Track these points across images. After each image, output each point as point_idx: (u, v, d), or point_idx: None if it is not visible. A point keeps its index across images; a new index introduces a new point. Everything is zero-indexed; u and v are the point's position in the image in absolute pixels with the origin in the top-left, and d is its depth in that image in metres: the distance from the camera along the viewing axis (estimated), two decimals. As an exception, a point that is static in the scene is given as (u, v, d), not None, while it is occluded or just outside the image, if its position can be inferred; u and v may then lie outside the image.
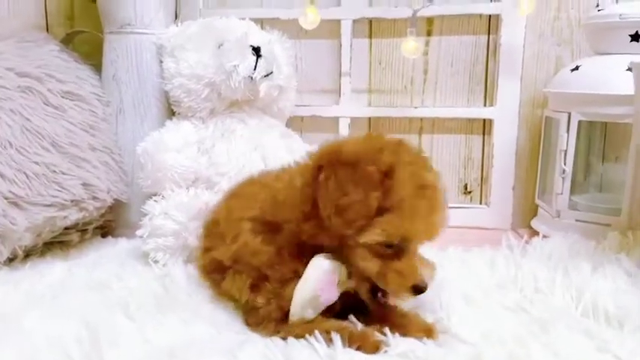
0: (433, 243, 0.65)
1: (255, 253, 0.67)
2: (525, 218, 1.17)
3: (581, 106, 0.98)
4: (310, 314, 0.63)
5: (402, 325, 0.64)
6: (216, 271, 0.74)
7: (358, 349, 0.59)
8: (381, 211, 0.59)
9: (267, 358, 0.58)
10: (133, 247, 0.95)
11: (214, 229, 0.78)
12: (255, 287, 0.67)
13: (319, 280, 0.63)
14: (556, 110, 1.04)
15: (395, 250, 0.61)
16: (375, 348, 0.59)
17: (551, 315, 0.71)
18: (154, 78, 1.05)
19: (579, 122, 0.99)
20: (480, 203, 1.22)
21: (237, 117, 1.03)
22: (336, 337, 0.59)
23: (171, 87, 1.02)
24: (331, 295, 0.63)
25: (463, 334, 0.64)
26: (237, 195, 0.79)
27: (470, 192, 1.23)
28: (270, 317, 0.66)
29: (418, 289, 0.61)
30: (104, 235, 1.03)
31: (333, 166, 0.60)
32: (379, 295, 0.64)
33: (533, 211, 1.16)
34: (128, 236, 1.01)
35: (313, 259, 0.64)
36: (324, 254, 0.64)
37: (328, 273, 0.63)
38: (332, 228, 0.60)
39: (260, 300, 0.66)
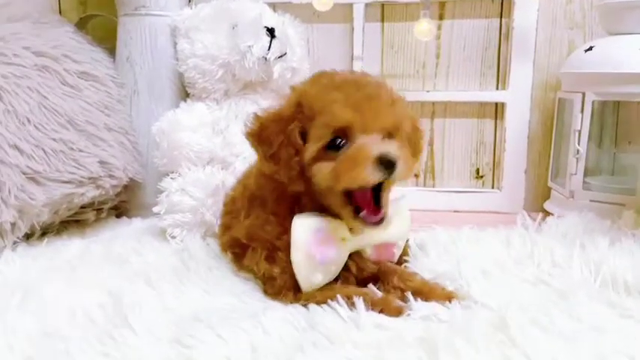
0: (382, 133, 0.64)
1: (263, 226, 0.69)
2: (538, 202, 1.17)
3: (596, 85, 0.98)
4: (319, 279, 0.63)
5: (423, 292, 0.64)
6: (236, 247, 0.74)
7: (381, 312, 0.59)
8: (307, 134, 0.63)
9: (290, 322, 0.59)
10: (148, 225, 0.96)
11: (232, 207, 0.79)
12: (270, 258, 0.68)
13: (305, 241, 0.63)
14: (570, 91, 1.04)
15: (343, 148, 0.62)
16: (397, 312, 0.60)
17: (570, 286, 0.71)
18: (169, 60, 1.06)
19: (593, 103, 0.99)
20: (493, 187, 1.22)
21: (250, 98, 1.04)
22: (359, 301, 0.59)
23: (185, 68, 1.02)
24: (328, 253, 0.64)
25: (485, 301, 0.64)
26: (250, 173, 0.80)
27: (482, 176, 1.23)
28: (288, 286, 0.66)
29: (385, 161, 0.59)
30: (119, 216, 1.04)
31: (263, 127, 0.66)
32: (362, 213, 0.64)
33: (546, 195, 1.16)
34: (143, 216, 1.01)
35: (293, 222, 0.65)
36: (305, 214, 0.66)
37: (313, 231, 0.64)
38: (282, 178, 0.64)
39: (276, 270, 0.67)
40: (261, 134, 0.66)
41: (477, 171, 1.23)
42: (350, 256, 0.67)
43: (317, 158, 0.63)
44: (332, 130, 0.62)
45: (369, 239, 0.68)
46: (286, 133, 0.64)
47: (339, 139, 0.63)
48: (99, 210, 0.98)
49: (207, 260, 0.78)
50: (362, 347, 0.52)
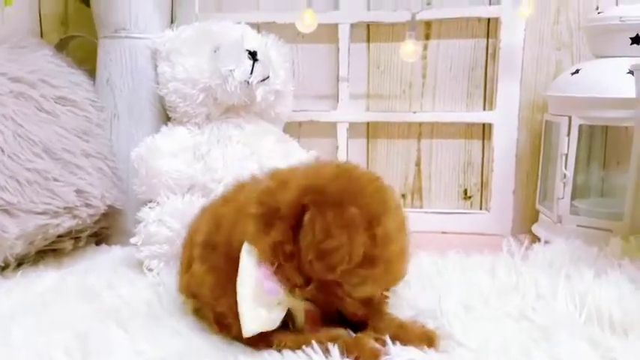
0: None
1: (200, 284, 0.64)
2: (526, 224, 1.15)
3: (582, 109, 0.96)
4: (263, 316, 0.58)
5: (401, 334, 0.62)
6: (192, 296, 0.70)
7: (356, 359, 0.57)
8: (367, 260, 0.56)
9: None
10: (126, 255, 0.94)
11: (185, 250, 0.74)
12: (219, 323, 0.64)
13: (252, 272, 0.58)
14: (556, 114, 1.02)
15: None
16: (374, 357, 0.58)
17: (554, 322, 0.69)
18: (149, 83, 1.04)
19: (580, 126, 0.98)
20: (480, 209, 1.21)
21: (233, 122, 1.02)
22: (333, 348, 0.57)
23: (166, 92, 1.01)
24: (274, 283, 0.58)
25: (465, 341, 0.63)
26: (204, 212, 0.75)
27: (470, 197, 1.21)
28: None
29: None
30: (98, 243, 1.02)
31: (319, 206, 0.55)
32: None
33: (534, 217, 1.14)
34: (123, 244, 0.99)
35: (242, 252, 0.59)
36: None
37: (258, 262, 0.58)
38: (312, 272, 0.56)
39: (230, 335, 0.63)
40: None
41: (465, 192, 1.21)
42: None
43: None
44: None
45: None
46: (353, 243, 0.55)
47: None
48: (77, 239, 0.96)
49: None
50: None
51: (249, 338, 0.60)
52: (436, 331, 0.64)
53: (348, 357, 0.57)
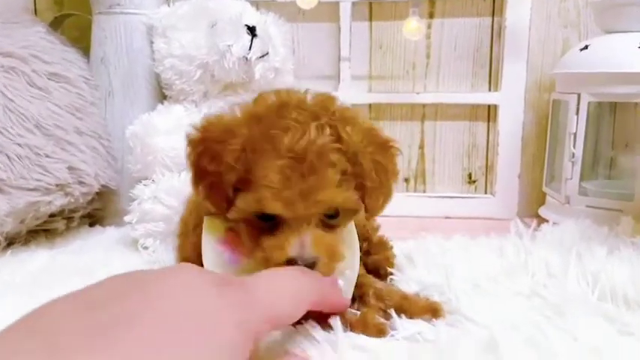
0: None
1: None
2: (532, 207, 1.12)
3: (591, 86, 0.93)
4: None
5: (405, 305, 0.59)
6: None
7: (361, 333, 0.54)
8: (243, 183, 0.52)
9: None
10: (122, 235, 0.90)
11: (184, 229, 0.68)
12: None
13: (212, 241, 0.56)
14: (565, 92, 1.00)
15: (272, 223, 0.53)
16: (379, 331, 0.54)
17: (566, 300, 0.66)
18: (145, 60, 1.01)
19: (589, 104, 0.95)
20: (485, 193, 1.18)
21: (231, 100, 0.98)
22: (336, 321, 0.54)
23: (162, 69, 0.97)
24: (235, 253, 0.56)
25: (474, 316, 0.60)
26: None
27: (474, 181, 1.18)
28: None
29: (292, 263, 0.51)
30: (92, 225, 0.98)
31: (201, 143, 0.54)
32: None
33: (541, 200, 1.11)
34: (118, 225, 0.96)
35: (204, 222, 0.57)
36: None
37: (224, 229, 0.56)
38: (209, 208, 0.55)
39: None
40: (198, 154, 0.54)
41: (469, 175, 1.18)
42: None
43: (247, 225, 0.54)
44: (255, 210, 0.52)
45: None
46: (218, 173, 0.52)
47: (267, 216, 0.53)
48: (69, 219, 0.93)
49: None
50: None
51: None
52: (442, 304, 0.61)
53: (352, 331, 0.54)
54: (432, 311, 0.58)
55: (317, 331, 0.54)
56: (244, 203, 0.52)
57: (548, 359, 0.52)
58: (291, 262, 0.51)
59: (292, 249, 0.51)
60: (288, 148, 0.51)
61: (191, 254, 0.60)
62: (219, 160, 0.52)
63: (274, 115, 0.53)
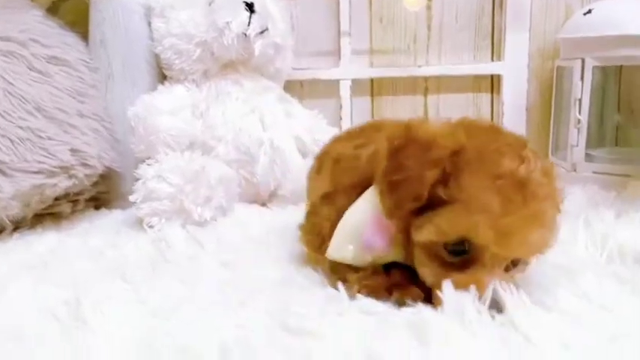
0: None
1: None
2: (539, 178, 1.11)
3: (596, 50, 0.92)
4: (349, 252, 0.54)
5: None
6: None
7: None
8: (440, 202, 0.48)
9: (271, 315, 0.53)
10: (128, 216, 0.90)
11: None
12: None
13: (366, 212, 0.53)
14: (569, 58, 0.98)
15: (461, 260, 0.49)
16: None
17: (575, 263, 0.66)
18: (144, 41, 1.00)
19: (594, 69, 0.94)
20: (491, 165, 1.17)
21: (231, 79, 0.98)
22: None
23: (161, 49, 0.97)
24: (377, 239, 0.53)
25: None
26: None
27: (479, 153, 1.17)
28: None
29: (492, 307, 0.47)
30: (98, 207, 0.98)
31: (404, 141, 0.49)
32: None
33: (547, 170, 1.10)
34: (123, 207, 0.95)
35: (369, 189, 0.54)
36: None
37: (376, 210, 0.52)
38: (384, 208, 0.50)
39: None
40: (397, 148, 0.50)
41: (474, 148, 1.17)
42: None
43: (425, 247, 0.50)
44: (458, 236, 0.48)
45: None
46: (422, 175, 0.48)
47: (462, 247, 0.49)
48: (75, 202, 0.93)
49: (186, 250, 0.73)
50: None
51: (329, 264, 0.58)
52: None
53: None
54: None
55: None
56: (448, 224, 0.47)
57: (559, 319, 0.52)
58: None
59: (490, 289, 0.47)
60: (509, 171, 0.46)
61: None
62: (423, 160, 0.47)
63: (485, 133, 0.50)
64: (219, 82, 0.98)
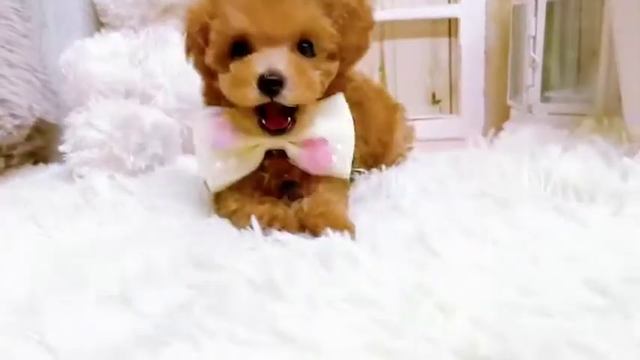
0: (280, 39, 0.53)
1: None
2: (498, 124, 1.08)
3: (549, -17, 0.88)
4: (217, 167, 0.57)
5: (319, 223, 0.52)
6: None
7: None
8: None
9: (178, 252, 0.50)
10: (64, 169, 0.86)
11: None
12: None
13: (204, 124, 0.58)
14: (523, -5, 0.94)
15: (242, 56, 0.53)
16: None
17: (516, 196, 0.63)
18: (77, -14, 0.95)
19: (550, 5, 0.90)
20: (450, 112, 1.14)
21: (172, 24, 0.93)
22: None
23: (94, -8, 0.92)
24: (222, 139, 0.56)
25: (415, 213, 0.57)
26: None
27: (438, 101, 1.14)
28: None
29: (266, 81, 0.50)
30: (36, 163, 0.94)
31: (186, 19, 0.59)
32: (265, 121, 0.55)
33: (507, 116, 1.07)
34: (61, 162, 0.91)
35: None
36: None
37: (210, 117, 0.58)
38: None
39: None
40: (184, 26, 0.59)
41: (433, 96, 1.14)
42: (270, 155, 0.58)
43: (222, 65, 0.55)
44: (226, 39, 0.53)
45: (289, 136, 0.56)
46: (190, 33, 0.57)
47: (240, 47, 0.53)
48: (8, 156, 0.89)
49: (112, 197, 0.70)
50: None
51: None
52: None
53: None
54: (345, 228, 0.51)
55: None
56: (213, 37, 0.53)
57: (483, 245, 0.49)
58: (260, 80, 0.50)
59: (260, 65, 0.50)
60: None
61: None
62: (192, 21, 0.57)
63: None
64: (158, 27, 0.93)
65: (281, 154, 0.57)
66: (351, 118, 0.60)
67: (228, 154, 0.56)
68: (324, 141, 0.58)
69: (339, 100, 0.60)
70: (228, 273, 0.44)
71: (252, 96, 0.51)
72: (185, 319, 0.37)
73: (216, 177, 0.58)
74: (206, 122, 0.58)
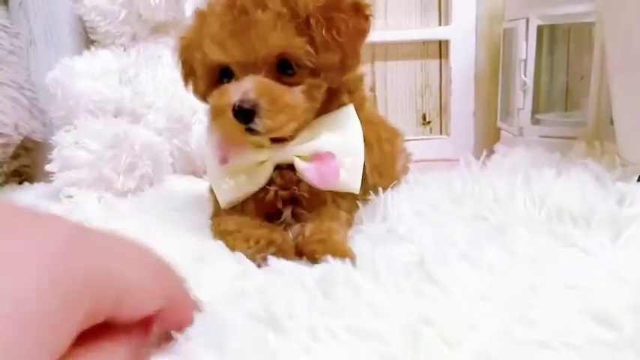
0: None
1: None
2: (489, 145, 1.08)
3: (539, 7, 0.89)
4: (228, 184, 0.57)
5: (319, 250, 0.52)
6: None
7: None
8: None
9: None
10: (50, 189, 0.84)
11: None
12: None
13: (213, 141, 0.58)
14: (514, 19, 0.95)
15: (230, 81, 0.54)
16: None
17: (510, 220, 0.62)
18: (66, 3, 0.93)
19: (539, 28, 0.91)
20: (441, 133, 1.14)
21: (162, 42, 0.93)
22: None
23: (84, 10, 0.91)
24: (227, 154, 0.57)
25: (412, 237, 0.56)
26: None
27: (429, 122, 1.14)
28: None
29: (240, 111, 0.50)
30: (21, 183, 0.92)
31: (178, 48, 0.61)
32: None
33: (497, 138, 1.08)
34: (47, 182, 0.89)
35: None
36: None
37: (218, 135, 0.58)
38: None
39: None
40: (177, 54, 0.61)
41: (424, 117, 1.14)
42: (279, 170, 0.57)
43: (212, 91, 0.55)
44: (210, 68, 0.55)
45: (297, 150, 0.56)
46: (184, 60, 0.60)
47: (227, 72, 0.54)
48: (-8, 175, 0.87)
49: (101, 218, 0.68)
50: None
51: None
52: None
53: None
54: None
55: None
56: (198, 67, 0.56)
57: (481, 272, 0.49)
58: (234, 109, 0.50)
59: (233, 94, 0.51)
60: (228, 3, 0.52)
61: None
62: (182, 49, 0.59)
63: None
64: (149, 45, 0.92)
65: (289, 168, 0.57)
66: (361, 131, 0.59)
67: (238, 170, 0.57)
68: (331, 155, 0.57)
69: (349, 112, 0.59)
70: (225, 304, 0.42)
71: (230, 126, 0.51)
72: (181, 357, 0.35)
73: (227, 193, 0.58)
74: (214, 139, 0.58)
